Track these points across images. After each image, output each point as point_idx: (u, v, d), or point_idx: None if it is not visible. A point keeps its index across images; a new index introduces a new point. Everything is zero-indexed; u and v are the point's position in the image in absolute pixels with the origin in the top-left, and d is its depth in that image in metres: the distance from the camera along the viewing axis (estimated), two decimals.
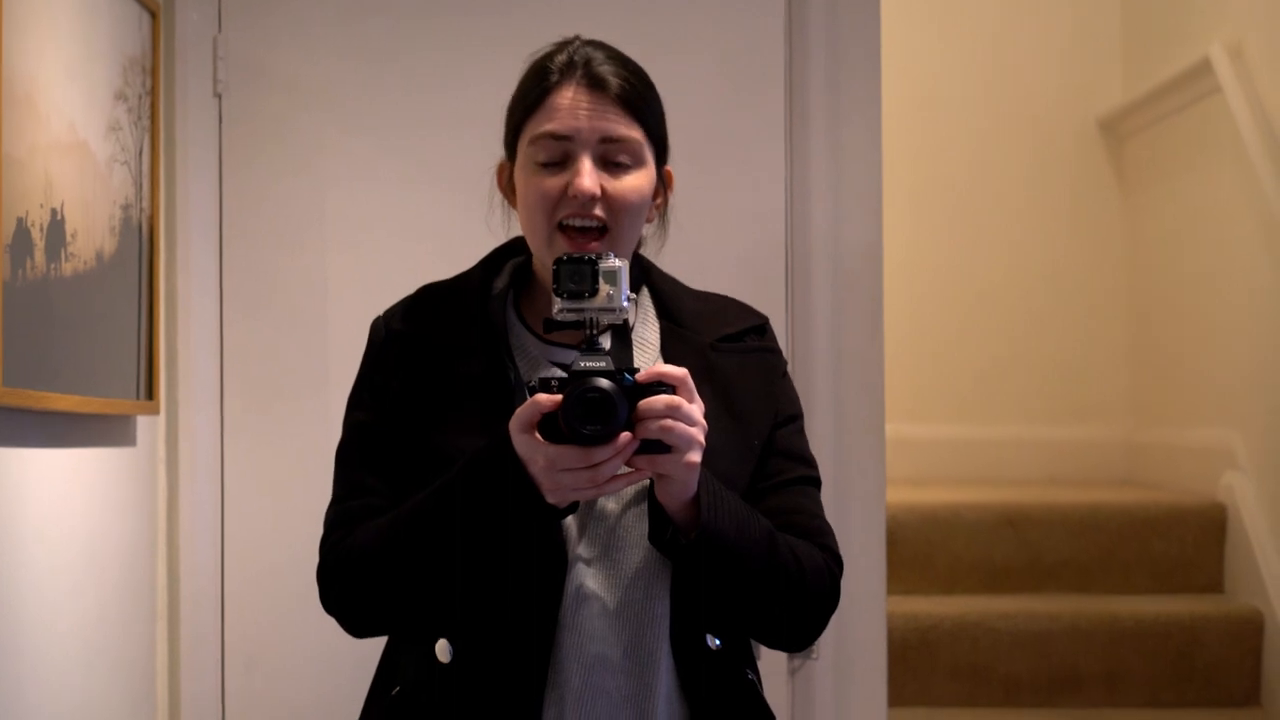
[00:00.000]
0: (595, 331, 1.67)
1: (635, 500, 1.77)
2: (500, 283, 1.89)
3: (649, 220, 1.88)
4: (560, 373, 1.66)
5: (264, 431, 2.97)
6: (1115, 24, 5.43)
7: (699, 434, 1.65)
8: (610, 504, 1.77)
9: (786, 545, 1.76)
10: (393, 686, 1.83)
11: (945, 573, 4.27)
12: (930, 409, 5.31)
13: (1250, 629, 3.99)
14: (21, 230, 2.22)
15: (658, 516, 1.71)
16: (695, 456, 1.65)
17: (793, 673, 2.98)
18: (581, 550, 1.76)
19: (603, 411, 1.60)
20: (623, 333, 1.81)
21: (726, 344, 1.88)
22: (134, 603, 2.80)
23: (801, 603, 1.78)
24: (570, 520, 1.75)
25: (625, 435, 1.61)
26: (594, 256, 1.68)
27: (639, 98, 1.82)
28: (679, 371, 1.66)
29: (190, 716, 2.95)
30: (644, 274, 1.92)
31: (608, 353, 1.65)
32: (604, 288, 1.67)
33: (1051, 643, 3.98)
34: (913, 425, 5.12)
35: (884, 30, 3.06)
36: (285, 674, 2.95)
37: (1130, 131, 5.28)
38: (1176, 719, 3.87)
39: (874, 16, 3.03)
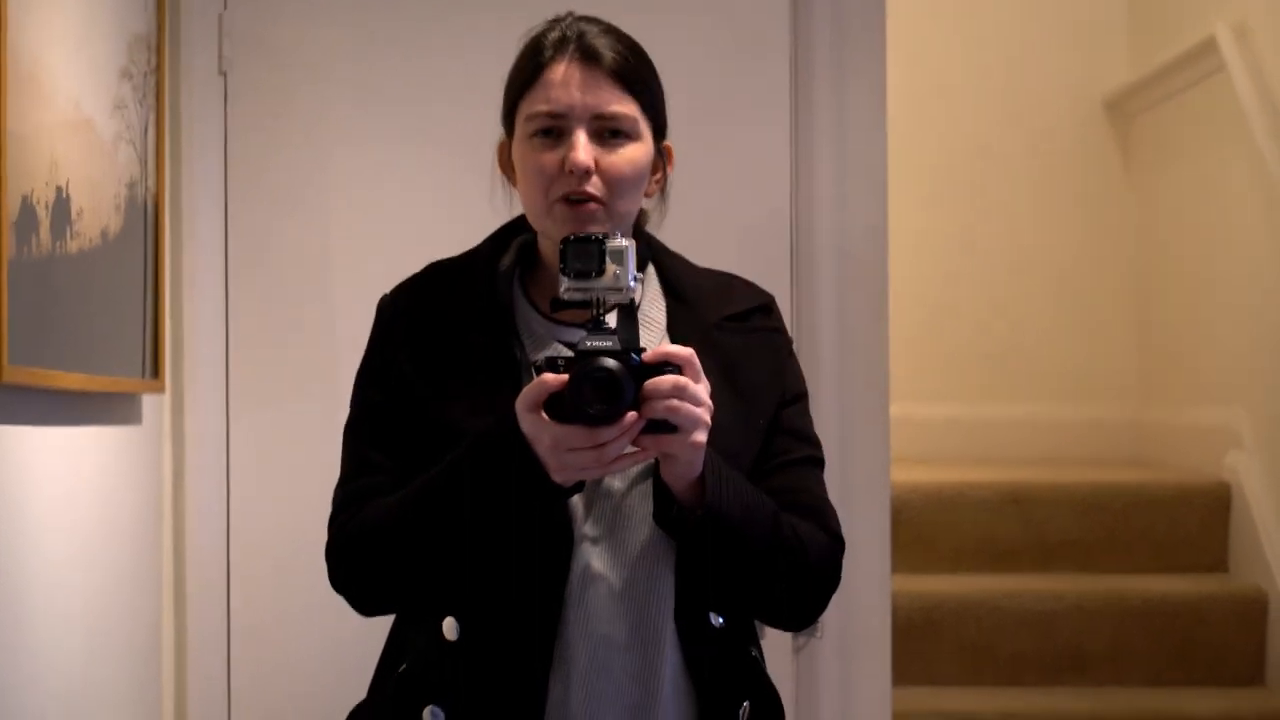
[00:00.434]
0: (602, 311, 1.67)
1: (640, 479, 1.77)
2: (506, 260, 1.88)
3: (649, 195, 1.88)
4: (567, 352, 1.66)
5: (269, 410, 2.97)
6: (1120, 3, 5.42)
7: (705, 414, 1.65)
8: (616, 482, 1.77)
9: (789, 525, 1.76)
10: (400, 664, 1.83)
11: (950, 552, 4.27)
12: (935, 388, 5.31)
13: (1255, 608, 4.00)
14: (27, 208, 2.21)
15: (663, 496, 1.71)
16: (701, 436, 1.65)
17: (797, 651, 2.98)
18: (587, 529, 1.76)
19: (609, 391, 1.60)
20: (629, 312, 1.81)
21: (732, 323, 1.88)
22: (140, 582, 2.81)
23: (803, 582, 1.78)
24: (576, 499, 1.75)
25: (631, 415, 1.61)
26: (601, 236, 1.68)
27: (633, 72, 1.82)
28: (685, 351, 1.66)
29: (197, 694, 2.96)
30: (650, 252, 1.91)
31: (614, 332, 1.65)
32: (611, 267, 1.67)
33: (1056, 622, 3.99)
34: (917, 404, 5.11)
35: (889, 10, 3.06)
36: (292, 652, 2.96)
37: (1136, 111, 5.27)
38: (1181, 698, 3.87)
39: None
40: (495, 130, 1.92)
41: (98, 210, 2.49)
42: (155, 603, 2.89)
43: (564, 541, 1.74)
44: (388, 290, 1.91)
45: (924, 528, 4.25)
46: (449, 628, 1.76)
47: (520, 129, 1.83)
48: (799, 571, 1.76)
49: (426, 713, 1.77)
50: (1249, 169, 4.32)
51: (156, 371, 2.78)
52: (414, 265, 1.93)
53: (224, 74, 2.98)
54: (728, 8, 2.99)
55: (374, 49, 2.99)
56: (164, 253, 2.83)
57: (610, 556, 1.76)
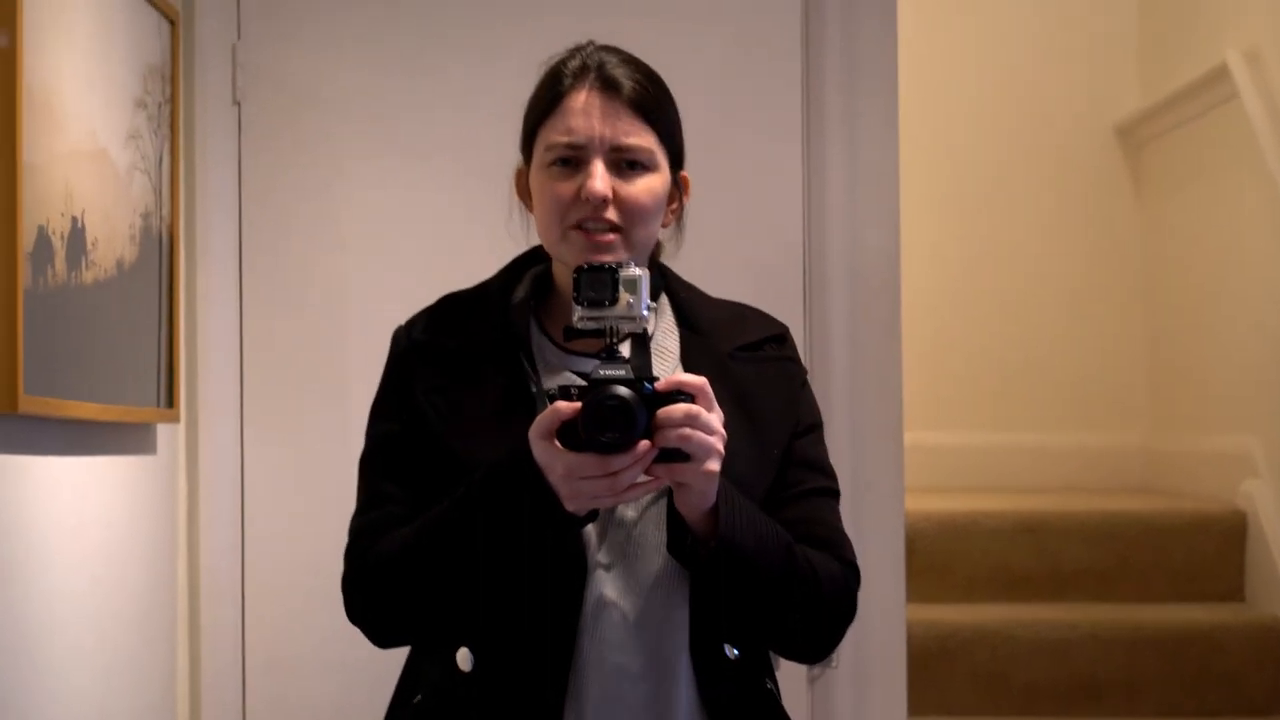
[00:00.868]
0: (615, 340, 1.67)
1: (653, 508, 1.77)
2: (520, 291, 1.89)
3: (665, 225, 1.89)
4: (580, 381, 1.66)
5: (284, 439, 2.97)
6: (1132, 30, 5.42)
7: (718, 443, 1.65)
8: (629, 511, 1.77)
9: (804, 556, 1.76)
10: (415, 694, 1.82)
11: (964, 581, 4.26)
12: (948, 416, 5.30)
13: (1271, 637, 3.98)
14: (43, 238, 2.22)
15: (676, 526, 1.71)
16: (714, 465, 1.64)
17: (812, 681, 2.98)
18: (600, 557, 1.76)
19: (622, 420, 1.60)
20: (642, 341, 1.81)
21: (745, 353, 1.88)
22: (155, 611, 2.81)
23: (818, 614, 1.78)
24: (590, 528, 1.75)
25: (644, 444, 1.61)
26: (614, 265, 1.68)
27: (652, 101, 1.82)
28: (698, 380, 1.66)
29: None
30: (664, 281, 1.91)
31: (627, 361, 1.65)
32: (624, 296, 1.67)
33: (1071, 651, 3.97)
34: (931, 433, 5.10)
35: (900, 37, 3.06)
36: (306, 682, 2.95)
37: (1147, 138, 5.27)
38: None
39: (890, 23, 3.04)
40: (506, 156, 1.92)
41: (113, 240, 2.50)
42: (170, 632, 2.89)
43: (577, 570, 1.74)
44: (402, 319, 1.91)
45: (937, 557, 4.24)
46: (463, 659, 1.76)
47: (538, 157, 1.83)
48: (813, 603, 1.76)
49: None
50: (1261, 194, 4.31)
51: (171, 401, 2.79)
52: (429, 293, 1.93)
53: (238, 104, 2.99)
54: (739, 32, 2.99)
55: (386, 79, 3.00)
56: (178, 283, 2.84)
57: (623, 585, 1.76)
